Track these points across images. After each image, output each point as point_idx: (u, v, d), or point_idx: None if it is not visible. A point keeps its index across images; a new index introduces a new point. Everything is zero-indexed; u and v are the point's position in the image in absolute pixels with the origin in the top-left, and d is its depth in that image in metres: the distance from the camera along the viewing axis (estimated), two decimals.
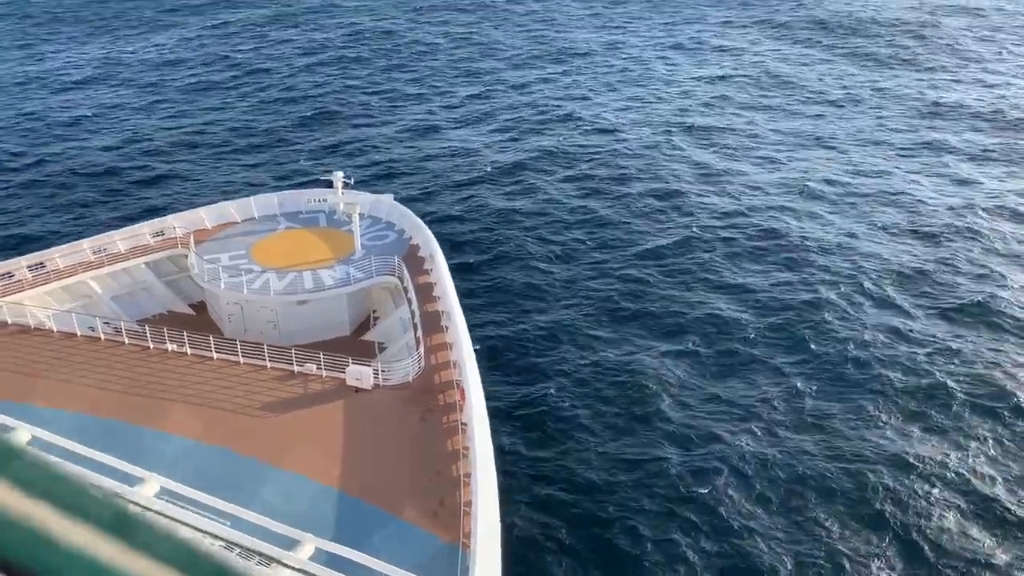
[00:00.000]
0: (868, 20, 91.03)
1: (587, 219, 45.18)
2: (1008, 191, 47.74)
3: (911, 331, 34.29)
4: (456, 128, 60.62)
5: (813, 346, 33.27)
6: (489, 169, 51.98)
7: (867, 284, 37.85)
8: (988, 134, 56.63)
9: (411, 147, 56.19)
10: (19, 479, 0.94)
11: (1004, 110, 60.70)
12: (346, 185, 32.16)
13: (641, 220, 44.89)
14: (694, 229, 43.62)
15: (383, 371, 24.99)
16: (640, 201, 47.13)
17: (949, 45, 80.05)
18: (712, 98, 65.27)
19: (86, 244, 31.93)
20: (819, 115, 61.51)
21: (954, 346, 33.24)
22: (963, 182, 49.23)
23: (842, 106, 63.29)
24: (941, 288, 37.66)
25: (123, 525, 0.96)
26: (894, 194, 47.79)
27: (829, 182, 49.52)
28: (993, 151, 53.79)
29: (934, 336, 33.89)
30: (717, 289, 37.90)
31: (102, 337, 27.25)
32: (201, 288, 31.76)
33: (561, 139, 57.26)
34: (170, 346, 26.46)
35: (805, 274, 38.91)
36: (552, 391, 31.05)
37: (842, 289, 37.43)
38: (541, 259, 41.12)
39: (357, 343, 30.05)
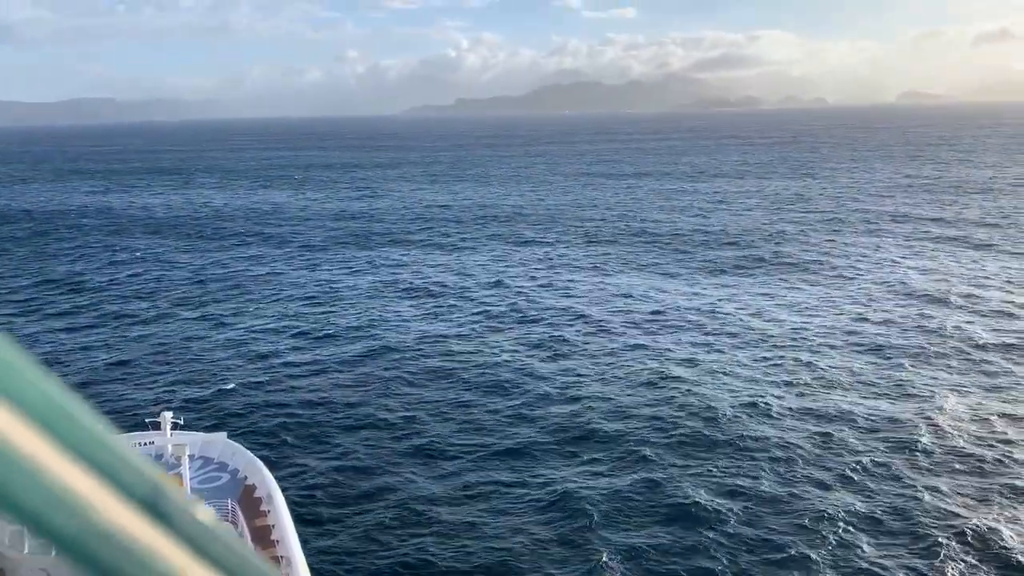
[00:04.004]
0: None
1: (440, 452, 41.08)
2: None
3: None
4: (295, 356, 57.78)
5: None
6: (331, 399, 49.00)
7: None
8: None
9: (246, 380, 52.86)
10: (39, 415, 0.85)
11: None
12: (175, 426, 30.76)
13: (495, 459, 39.68)
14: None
15: None
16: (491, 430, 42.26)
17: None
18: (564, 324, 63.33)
19: None
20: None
21: None
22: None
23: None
24: None
25: (157, 499, 0.92)
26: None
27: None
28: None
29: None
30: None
31: None
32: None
33: (403, 362, 54.97)
34: None
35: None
36: None
37: None
38: (392, 492, 37.07)
39: None
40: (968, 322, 61.47)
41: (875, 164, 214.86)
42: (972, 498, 34.99)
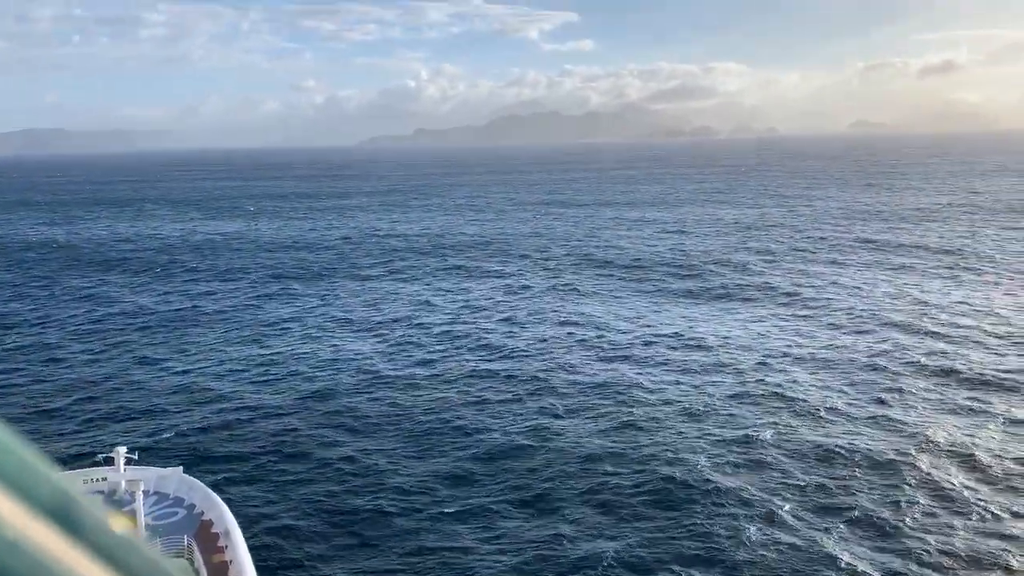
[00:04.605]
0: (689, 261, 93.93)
1: (394, 507, 38.05)
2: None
3: None
4: (250, 390, 55.54)
5: None
6: (287, 437, 46.95)
7: None
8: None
9: (201, 414, 50.98)
10: None
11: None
12: (129, 461, 30.60)
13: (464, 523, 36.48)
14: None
15: None
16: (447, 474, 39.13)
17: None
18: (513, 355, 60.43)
19: None
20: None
21: None
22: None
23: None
24: None
25: (68, 509, 0.87)
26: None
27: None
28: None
29: None
30: None
31: None
32: None
33: (360, 402, 52.26)
34: None
35: None
36: None
37: None
38: (346, 528, 35.84)
39: None
40: (942, 351, 60.01)
41: (831, 192, 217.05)
42: (960, 552, 32.80)
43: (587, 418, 47.98)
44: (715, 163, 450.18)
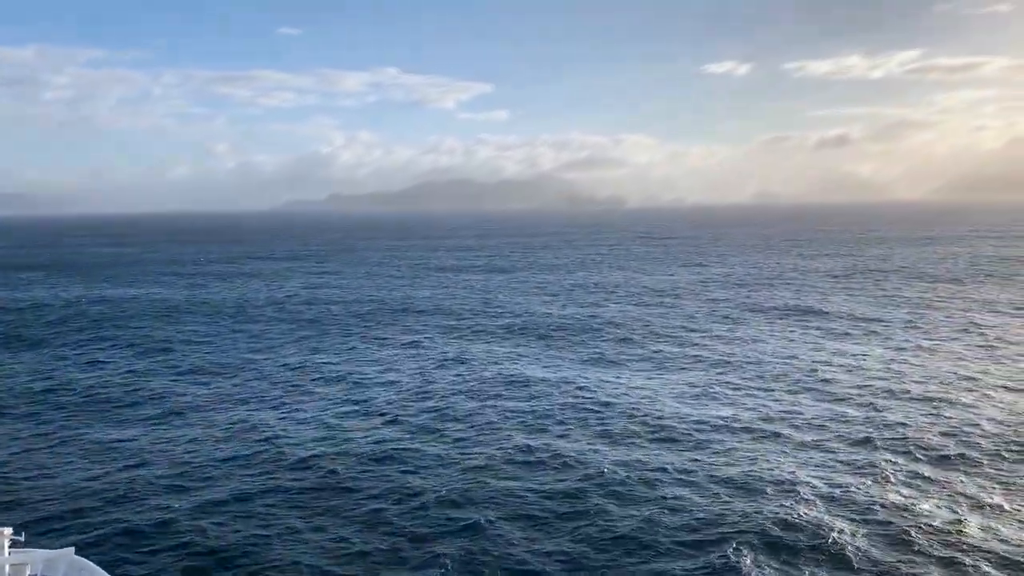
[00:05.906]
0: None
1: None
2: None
3: None
4: (148, 461, 51.66)
5: None
6: (187, 505, 43.08)
7: None
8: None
9: (97, 488, 46.86)
10: None
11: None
12: (15, 543, 28.15)
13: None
14: None
15: None
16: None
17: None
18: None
19: None
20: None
21: None
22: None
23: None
24: None
25: None
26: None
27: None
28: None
29: None
30: None
31: None
32: None
33: (250, 487, 46.17)
34: None
35: None
36: None
37: None
38: None
39: None
40: (897, 422, 56.53)
41: (742, 258, 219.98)
42: None
43: (526, 521, 41.48)
44: (628, 230, 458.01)
